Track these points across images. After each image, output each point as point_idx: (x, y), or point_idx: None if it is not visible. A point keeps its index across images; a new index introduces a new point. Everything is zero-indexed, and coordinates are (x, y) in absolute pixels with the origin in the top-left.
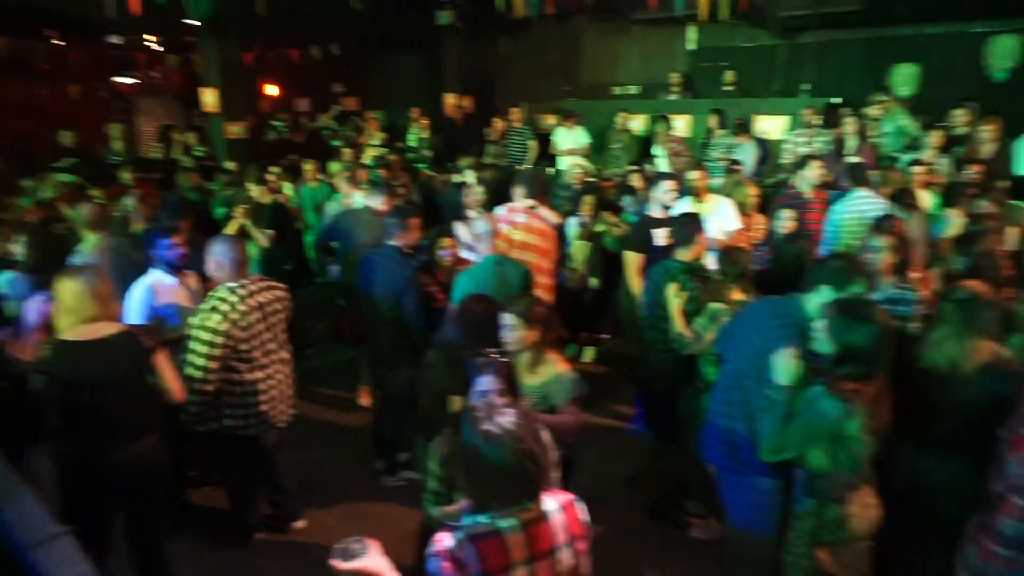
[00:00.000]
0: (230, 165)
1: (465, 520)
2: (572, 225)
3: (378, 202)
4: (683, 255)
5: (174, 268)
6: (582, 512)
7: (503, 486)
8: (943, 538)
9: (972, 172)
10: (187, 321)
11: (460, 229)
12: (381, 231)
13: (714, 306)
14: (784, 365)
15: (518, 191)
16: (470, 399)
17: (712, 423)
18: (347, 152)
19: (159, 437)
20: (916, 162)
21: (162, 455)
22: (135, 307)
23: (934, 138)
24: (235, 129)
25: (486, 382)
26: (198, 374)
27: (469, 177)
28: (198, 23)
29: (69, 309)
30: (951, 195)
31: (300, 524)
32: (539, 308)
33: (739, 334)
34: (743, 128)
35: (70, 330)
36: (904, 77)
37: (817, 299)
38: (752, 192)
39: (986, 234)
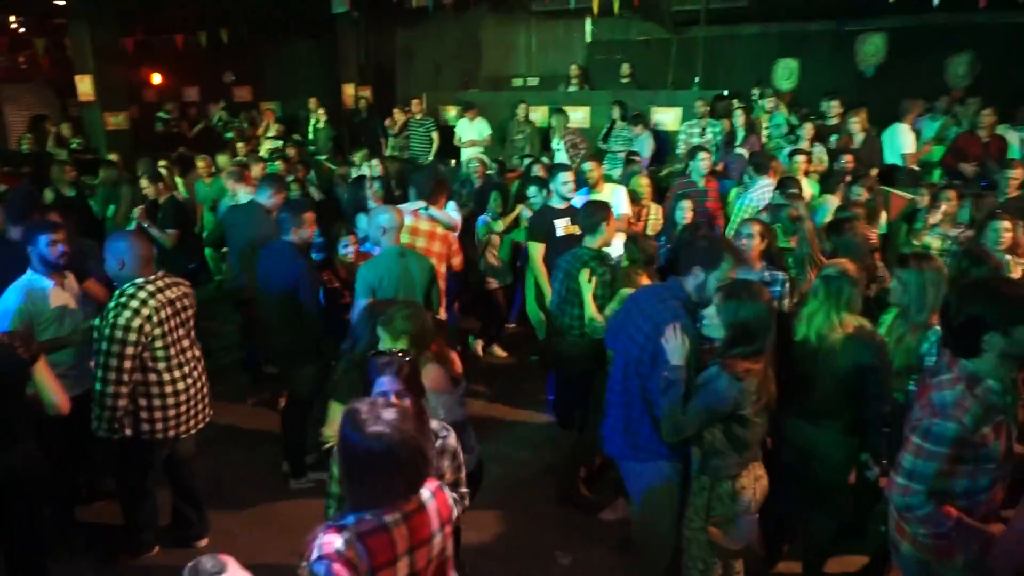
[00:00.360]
0: (113, 158)
1: (348, 519)
2: (480, 222)
3: (264, 197)
4: (592, 243)
5: (53, 268)
6: (449, 496)
7: (392, 482)
8: (823, 501)
9: (845, 161)
10: (80, 325)
11: (363, 222)
12: (269, 227)
13: (625, 291)
14: (673, 344)
15: (411, 191)
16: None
17: (611, 414)
18: (240, 146)
19: (34, 446)
20: (797, 151)
21: (39, 466)
22: (6, 312)
23: (808, 129)
24: (116, 120)
25: (387, 382)
26: (112, 376)
27: (373, 170)
28: (64, 2)
29: None
30: (828, 183)
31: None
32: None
33: (628, 322)
34: (640, 119)
35: None
36: (785, 71)
37: (693, 280)
38: (645, 182)
39: (855, 219)
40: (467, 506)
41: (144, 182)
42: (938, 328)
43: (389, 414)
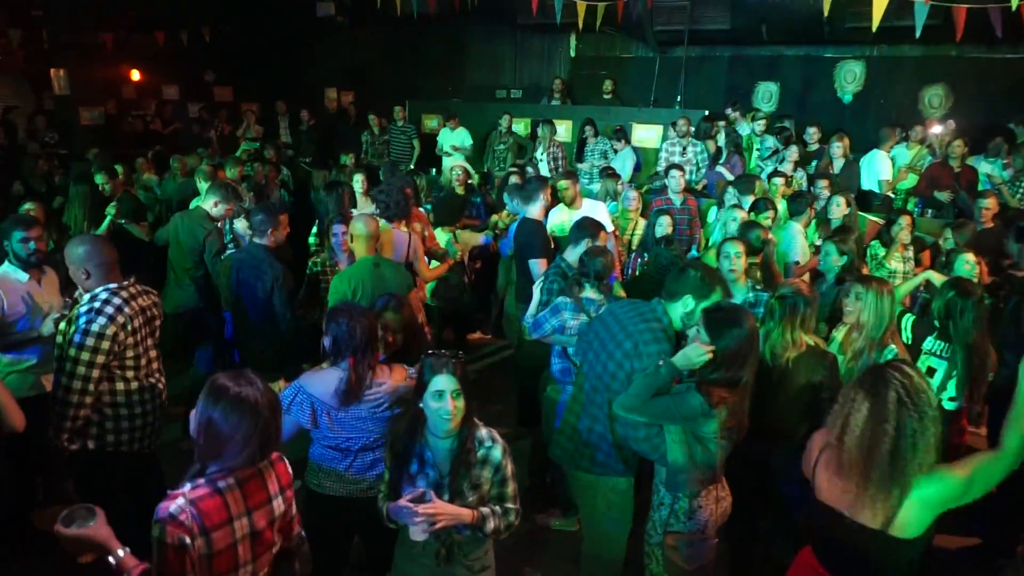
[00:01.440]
0: (91, 154)
1: (185, 485)
2: (459, 232)
3: (210, 203)
4: (570, 256)
5: (26, 264)
6: (287, 466)
7: (238, 446)
8: (777, 515)
9: (822, 186)
10: (46, 325)
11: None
12: (211, 235)
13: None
14: (692, 352)
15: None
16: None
17: (568, 423)
18: (209, 148)
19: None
20: (776, 174)
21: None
22: None
23: (793, 153)
24: (91, 115)
25: (443, 381)
26: (77, 385)
27: (356, 184)
28: None
29: None
30: (795, 205)
31: None
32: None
33: (604, 335)
34: (622, 135)
35: None
36: (766, 94)
37: (681, 308)
38: (635, 195)
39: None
40: (514, 524)
41: (101, 177)
42: (894, 347)
43: (251, 386)
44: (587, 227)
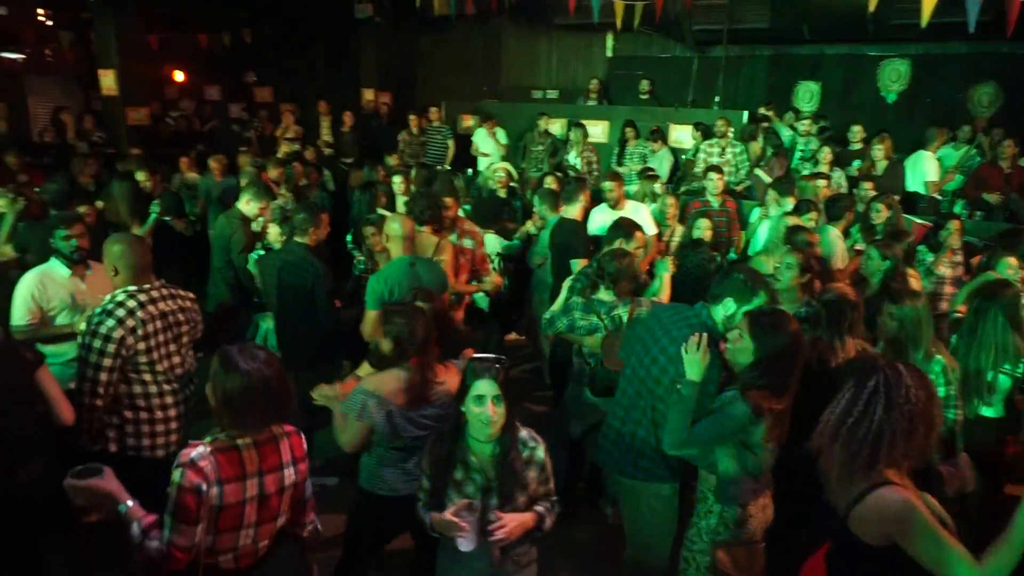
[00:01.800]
0: (135, 153)
1: (207, 437)
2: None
3: (243, 201)
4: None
5: (69, 260)
6: (303, 441)
7: (249, 410)
8: (821, 524)
9: (866, 188)
10: (76, 321)
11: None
12: (236, 232)
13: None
14: (693, 356)
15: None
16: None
17: (612, 427)
18: (250, 148)
19: (50, 463)
20: (817, 175)
21: (53, 483)
22: (20, 298)
23: (826, 154)
24: (137, 115)
25: (484, 386)
26: (86, 386)
27: (396, 187)
28: None
29: None
30: (833, 209)
31: None
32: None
33: (646, 339)
34: (659, 136)
35: None
36: (807, 94)
37: (722, 311)
38: (672, 201)
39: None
40: (555, 514)
41: (142, 175)
42: (940, 357)
43: (258, 356)
44: (622, 227)
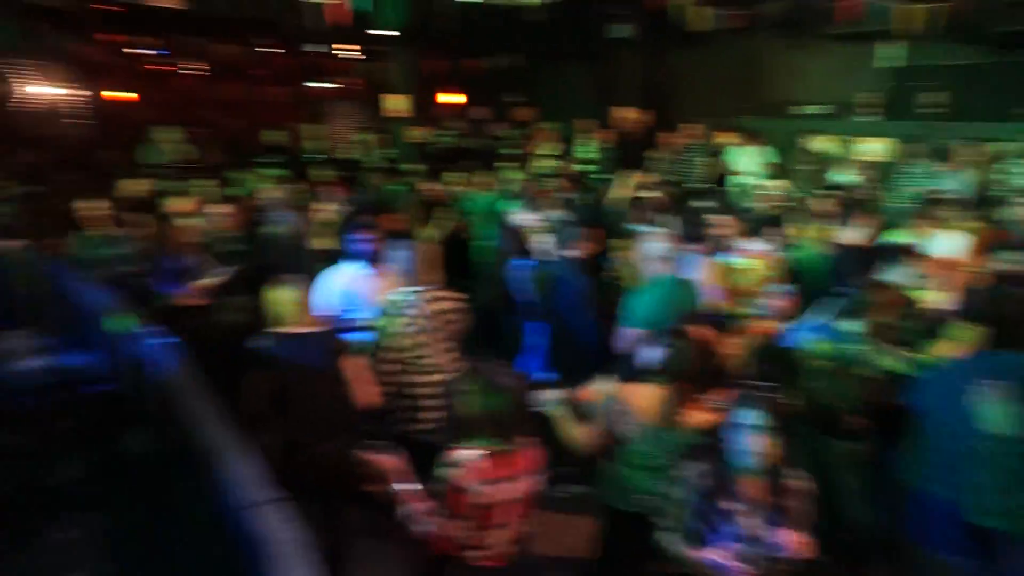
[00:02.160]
0: (420, 168)
1: (472, 441)
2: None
3: (514, 212)
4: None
5: (365, 261)
6: (539, 455)
7: (508, 422)
8: None
9: None
10: (373, 317)
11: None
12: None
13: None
14: (995, 411)
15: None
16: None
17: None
18: (515, 163)
19: (352, 439)
20: None
21: (350, 457)
22: (330, 293)
23: None
24: (417, 134)
25: (752, 416)
26: (375, 377)
27: (645, 193)
28: (390, 34)
29: (286, 310)
30: None
31: None
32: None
33: (947, 390)
34: (954, 154)
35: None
36: None
37: None
38: (982, 227)
39: None
40: None
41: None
42: None
43: (503, 376)
44: (900, 252)
